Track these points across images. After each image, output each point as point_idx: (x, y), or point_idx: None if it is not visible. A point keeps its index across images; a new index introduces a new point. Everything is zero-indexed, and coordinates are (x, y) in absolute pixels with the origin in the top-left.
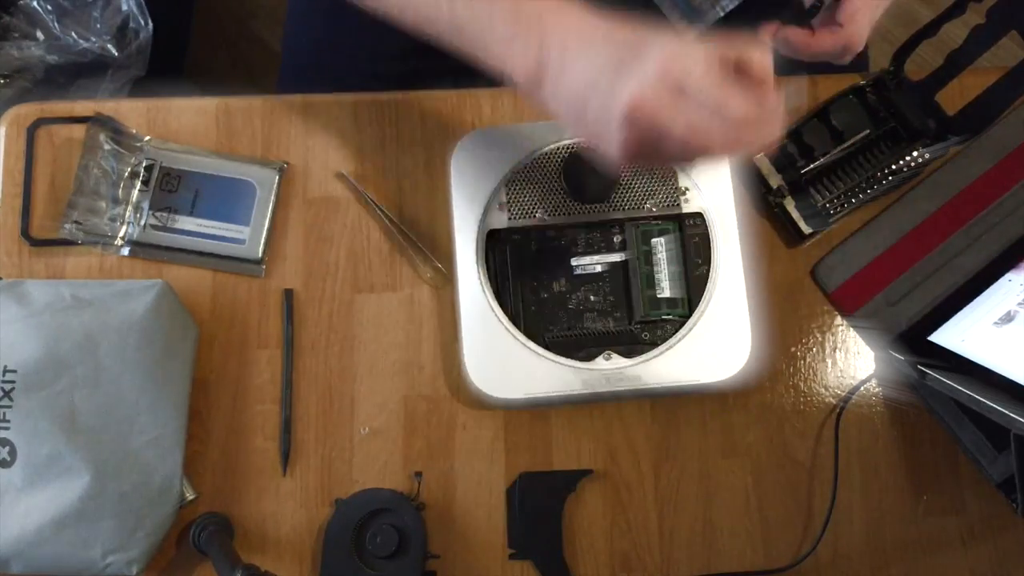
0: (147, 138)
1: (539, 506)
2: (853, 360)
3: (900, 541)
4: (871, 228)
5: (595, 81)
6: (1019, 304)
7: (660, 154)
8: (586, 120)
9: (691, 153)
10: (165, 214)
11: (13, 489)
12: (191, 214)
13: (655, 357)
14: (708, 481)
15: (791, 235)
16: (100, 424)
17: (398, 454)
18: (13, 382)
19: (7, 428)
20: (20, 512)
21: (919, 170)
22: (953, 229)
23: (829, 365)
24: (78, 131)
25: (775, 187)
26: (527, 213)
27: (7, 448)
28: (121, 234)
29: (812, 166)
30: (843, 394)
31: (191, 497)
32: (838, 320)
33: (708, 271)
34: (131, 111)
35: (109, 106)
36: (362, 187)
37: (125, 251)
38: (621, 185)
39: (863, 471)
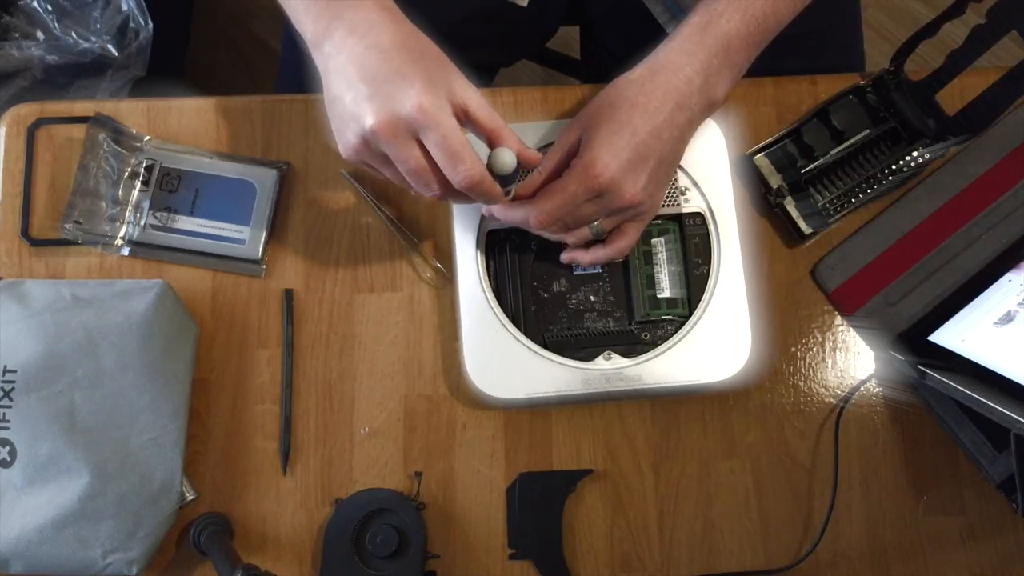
0: (147, 138)
1: (539, 506)
2: (853, 360)
3: (900, 541)
4: (871, 228)
5: (357, 85)
6: (1019, 304)
7: (379, 171)
8: (336, 110)
9: (406, 184)
10: (165, 214)
11: (13, 489)
12: (191, 214)
13: (655, 357)
14: (708, 481)
15: (791, 235)
16: (100, 424)
17: (398, 454)
18: (13, 382)
19: (7, 428)
20: (20, 512)
21: (919, 170)
22: (953, 229)
23: (829, 365)
24: (78, 131)
25: (775, 187)
26: None
27: (7, 448)
28: (121, 234)
29: (812, 166)
30: (843, 394)
31: (191, 497)
32: (838, 320)
33: (708, 271)
34: (131, 111)
35: (109, 106)
36: (362, 187)
37: (125, 251)
38: None
39: (863, 471)
